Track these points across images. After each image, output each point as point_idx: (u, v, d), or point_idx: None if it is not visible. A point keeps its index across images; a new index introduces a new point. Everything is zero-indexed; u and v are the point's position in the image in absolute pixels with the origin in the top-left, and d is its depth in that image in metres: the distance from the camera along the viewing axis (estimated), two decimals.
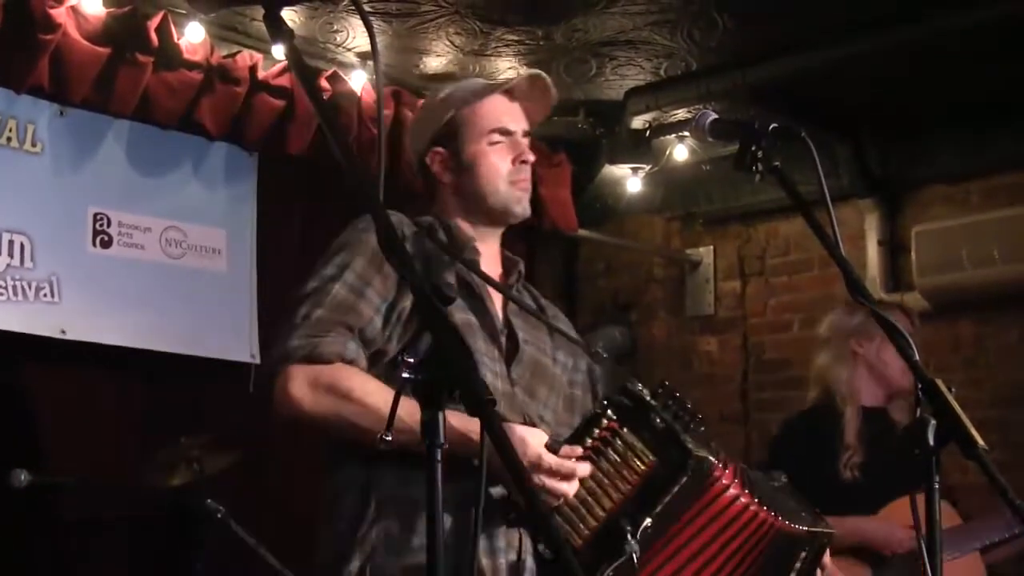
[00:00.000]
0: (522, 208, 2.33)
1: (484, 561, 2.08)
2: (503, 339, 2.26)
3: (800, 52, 4.38)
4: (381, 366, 2.15)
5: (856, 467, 3.34)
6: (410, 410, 2.02)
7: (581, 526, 2.08)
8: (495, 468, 1.95)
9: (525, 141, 2.36)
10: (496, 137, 2.31)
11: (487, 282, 2.23)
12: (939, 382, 1.88)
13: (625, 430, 2.11)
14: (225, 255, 4.49)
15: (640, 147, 5.09)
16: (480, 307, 2.24)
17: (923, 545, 1.90)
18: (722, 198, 5.64)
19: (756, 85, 4.54)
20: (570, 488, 2.05)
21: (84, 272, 4.11)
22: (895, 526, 3.27)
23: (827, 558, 2.31)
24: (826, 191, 2.04)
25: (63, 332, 4.01)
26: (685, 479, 2.08)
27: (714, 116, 2.26)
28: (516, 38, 4.37)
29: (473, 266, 2.23)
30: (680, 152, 5.20)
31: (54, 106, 4.05)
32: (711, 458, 2.11)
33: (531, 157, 2.35)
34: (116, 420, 4.17)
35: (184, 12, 4.07)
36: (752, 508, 2.15)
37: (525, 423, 2.15)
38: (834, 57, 4.34)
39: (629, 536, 2.03)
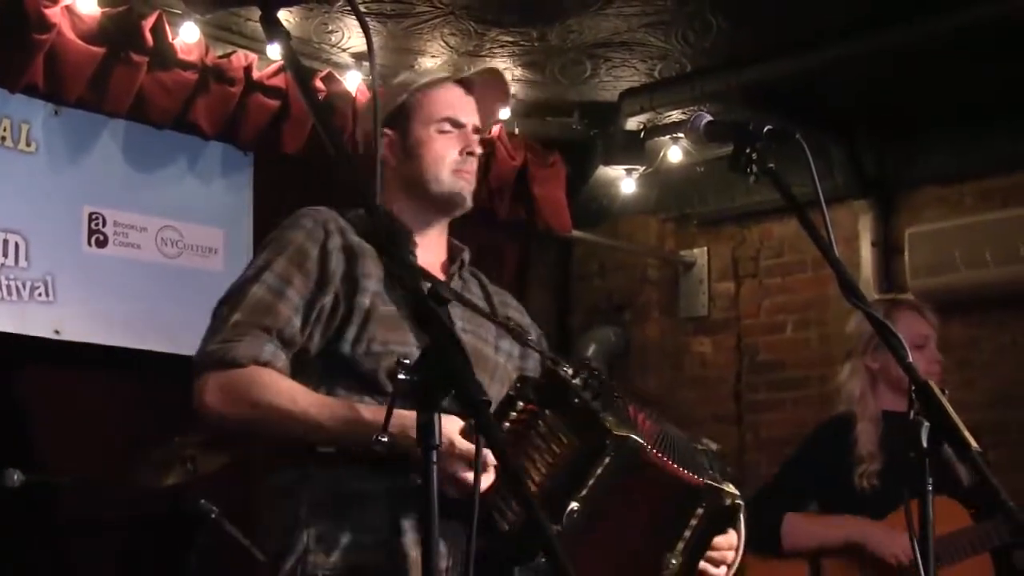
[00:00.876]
0: (463, 198, 2.29)
1: (412, 553, 2.03)
2: None
3: (794, 53, 4.38)
4: (307, 365, 2.13)
5: (874, 475, 3.35)
6: (319, 404, 2.03)
7: (505, 510, 1.99)
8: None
9: (475, 137, 2.31)
10: (446, 126, 2.27)
11: (398, 269, 2.06)
12: (932, 384, 1.88)
13: (546, 412, 2.03)
14: (221, 254, 4.49)
15: (634, 148, 5.10)
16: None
17: (916, 547, 1.90)
18: (716, 199, 5.65)
19: (750, 86, 4.55)
20: (486, 477, 1.96)
21: (79, 272, 4.11)
22: (896, 531, 3.28)
23: (733, 539, 2.16)
24: (820, 193, 2.04)
25: (57, 332, 4.01)
26: (608, 459, 1.99)
27: (709, 118, 2.26)
28: (511, 39, 4.37)
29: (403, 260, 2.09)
30: (674, 153, 5.21)
31: (49, 105, 4.05)
32: (633, 436, 2.01)
33: (478, 150, 2.31)
34: (111, 420, 4.16)
35: (179, 12, 4.07)
36: (661, 465, 2.06)
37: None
38: (828, 58, 4.35)
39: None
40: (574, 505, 1.97)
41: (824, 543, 3.36)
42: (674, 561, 2.08)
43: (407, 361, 1.49)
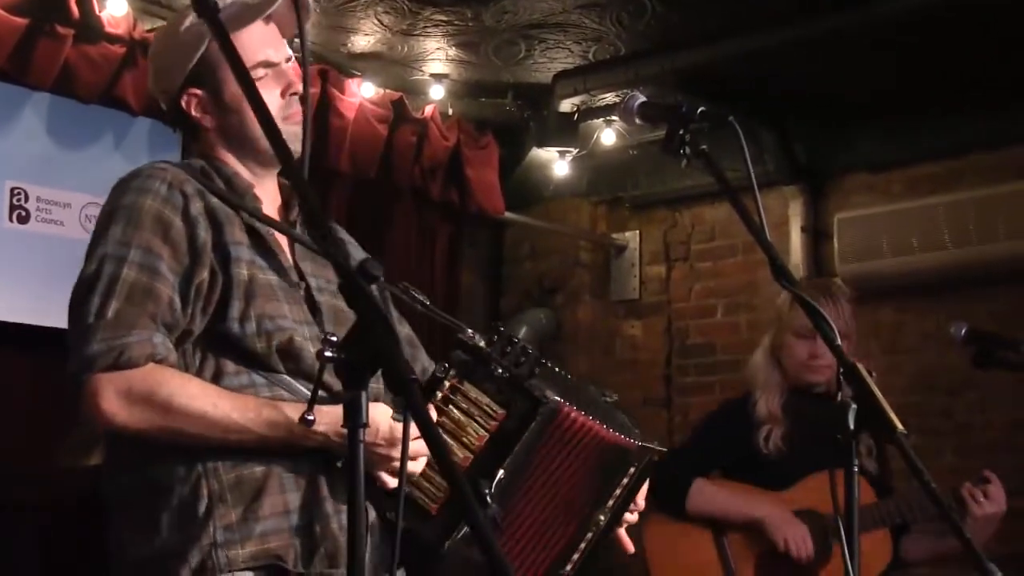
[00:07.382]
0: (297, 145, 2.09)
1: (341, 538, 1.95)
2: (303, 293, 2.08)
3: (727, 39, 4.40)
4: (189, 345, 1.97)
5: (779, 438, 3.39)
6: (240, 406, 1.90)
7: (434, 491, 1.99)
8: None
9: (290, 68, 2.13)
10: (260, 72, 2.06)
11: (276, 229, 2.04)
12: (860, 366, 1.89)
13: (467, 385, 2.02)
14: None
15: (568, 131, 5.10)
16: (276, 264, 2.05)
17: (841, 525, 1.92)
18: (648, 183, 5.68)
19: (684, 70, 4.56)
20: (417, 465, 1.96)
21: None
22: (793, 521, 3.34)
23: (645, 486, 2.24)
24: (753, 176, 2.05)
25: None
26: (534, 424, 2.02)
27: (643, 99, 2.26)
28: (445, 18, 4.34)
29: (258, 214, 2.03)
30: (608, 136, 5.21)
31: None
32: (556, 398, 2.03)
33: (300, 88, 2.10)
34: (31, 400, 4.08)
35: None
36: (591, 428, 2.09)
37: None
38: (761, 45, 4.37)
39: (489, 499, 1.96)
40: (501, 473, 2.00)
41: (726, 514, 3.41)
42: (602, 518, 2.15)
43: (334, 338, 1.46)
